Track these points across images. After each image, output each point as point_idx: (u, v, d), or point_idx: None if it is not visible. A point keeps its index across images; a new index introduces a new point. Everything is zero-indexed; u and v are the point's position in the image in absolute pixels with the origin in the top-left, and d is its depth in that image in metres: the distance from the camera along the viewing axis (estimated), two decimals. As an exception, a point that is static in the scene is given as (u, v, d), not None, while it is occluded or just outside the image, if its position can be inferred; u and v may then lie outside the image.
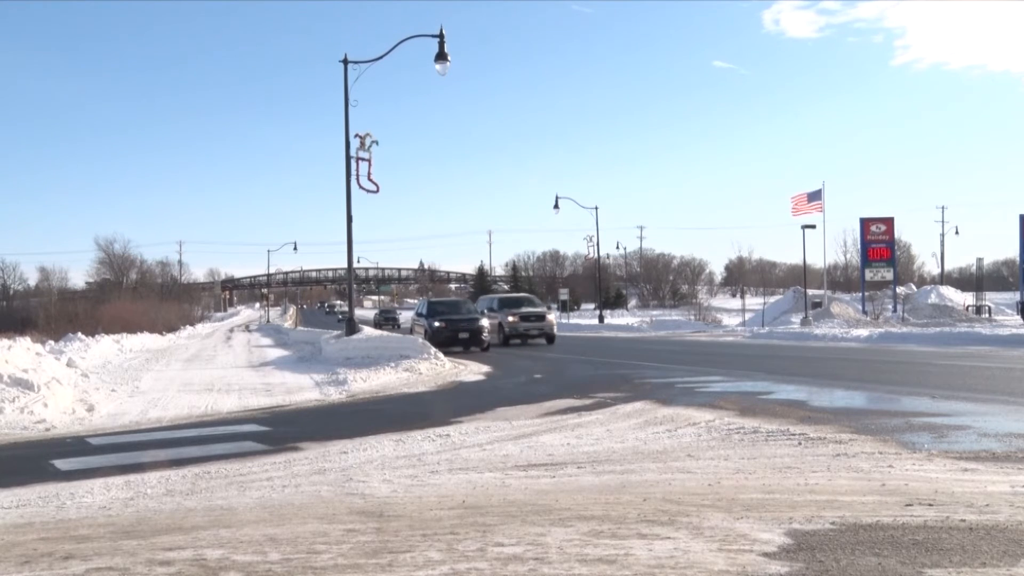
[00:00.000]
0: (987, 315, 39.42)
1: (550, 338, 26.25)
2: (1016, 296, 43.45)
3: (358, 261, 66.41)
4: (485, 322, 23.45)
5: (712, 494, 4.82)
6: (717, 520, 4.14)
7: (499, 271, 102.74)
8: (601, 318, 50.12)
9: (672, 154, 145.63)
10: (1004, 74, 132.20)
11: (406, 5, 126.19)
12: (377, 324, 57.51)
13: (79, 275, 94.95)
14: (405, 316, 67.85)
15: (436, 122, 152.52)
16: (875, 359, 16.38)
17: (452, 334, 22.59)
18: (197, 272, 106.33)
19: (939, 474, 5.26)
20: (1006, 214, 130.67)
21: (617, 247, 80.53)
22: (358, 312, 75.72)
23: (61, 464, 6.83)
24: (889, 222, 39.25)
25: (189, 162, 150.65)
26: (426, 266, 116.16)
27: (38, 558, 3.84)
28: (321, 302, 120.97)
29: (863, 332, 27.17)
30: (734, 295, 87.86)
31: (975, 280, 57.81)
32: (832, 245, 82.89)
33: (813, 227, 36.53)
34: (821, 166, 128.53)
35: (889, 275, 39.36)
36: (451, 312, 24.61)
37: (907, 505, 4.39)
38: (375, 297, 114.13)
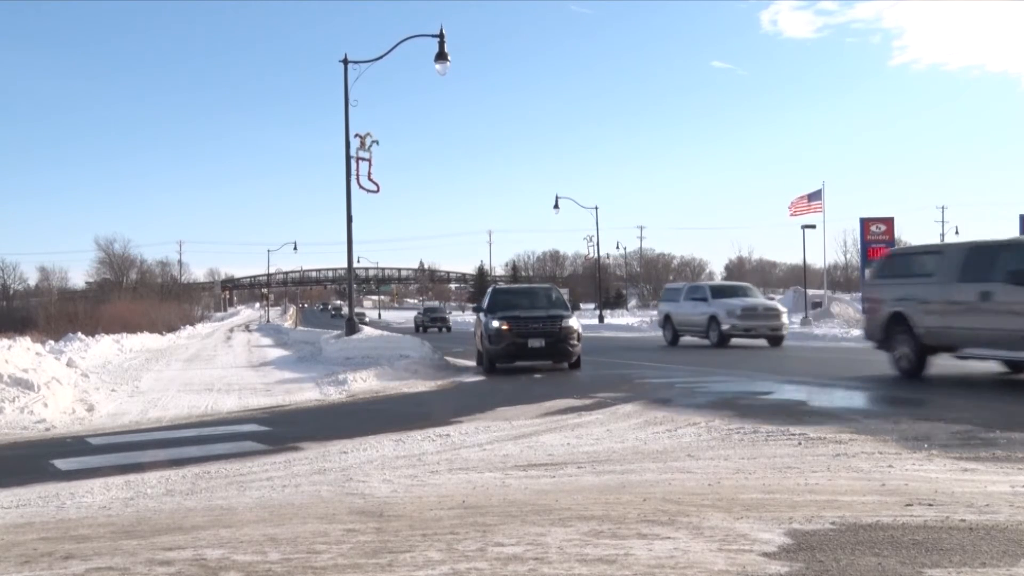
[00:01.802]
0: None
1: None
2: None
3: (358, 261, 65.71)
4: (574, 322, 15.31)
5: (712, 494, 4.82)
6: (717, 520, 4.14)
7: (499, 271, 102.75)
8: (601, 318, 50.11)
9: (672, 154, 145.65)
10: (1002, 75, 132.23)
11: (406, 5, 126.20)
12: (421, 327, 47.61)
13: (79, 275, 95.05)
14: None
15: (436, 122, 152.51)
16: (875, 359, 16.37)
17: (520, 341, 14.89)
18: (197, 272, 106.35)
19: (939, 474, 5.26)
20: (1006, 214, 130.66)
21: (617, 247, 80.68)
22: (371, 315, 74.90)
23: (61, 464, 6.83)
24: (889, 222, 39.19)
25: (189, 162, 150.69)
26: (426, 266, 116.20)
27: (38, 558, 3.84)
28: (324, 304, 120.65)
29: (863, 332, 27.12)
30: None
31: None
32: (832, 245, 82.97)
33: (813, 227, 36.50)
34: (821, 166, 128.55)
35: (889, 275, 39.27)
36: (523, 306, 16.06)
37: (907, 505, 4.39)
38: (375, 297, 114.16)
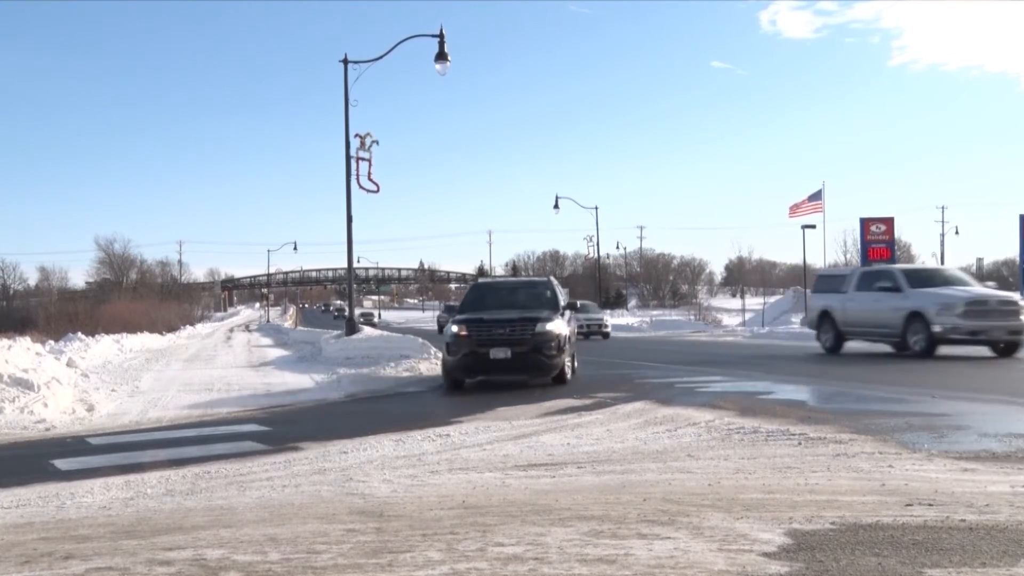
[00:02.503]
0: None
1: None
2: (1016, 296, 43.48)
3: (358, 261, 65.39)
4: (555, 326, 12.21)
5: (712, 494, 4.82)
6: (717, 520, 4.14)
7: (499, 271, 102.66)
8: (601, 318, 50.09)
9: (672, 154, 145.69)
10: (1001, 75, 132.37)
11: (406, 5, 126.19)
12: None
13: (79, 275, 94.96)
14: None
15: (436, 122, 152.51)
16: (875, 359, 16.38)
17: (480, 351, 11.98)
18: (197, 272, 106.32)
19: (939, 474, 5.26)
20: (1006, 214, 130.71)
21: (617, 247, 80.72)
22: (389, 316, 73.54)
23: (61, 464, 6.83)
24: (889, 222, 39.25)
25: (189, 162, 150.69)
26: (426, 266, 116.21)
27: (38, 558, 3.84)
28: (325, 305, 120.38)
29: (863, 332, 27.11)
30: (734, 295, 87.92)
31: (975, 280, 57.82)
32: (832, 245, 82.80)
33: (813, 227, 36.61)
34: (821, 166, 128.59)
35: (889, 275, 39.33)
36: (503, 305, 13.22)
37: (907, 505, 4.39)
38: (375, 297, 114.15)
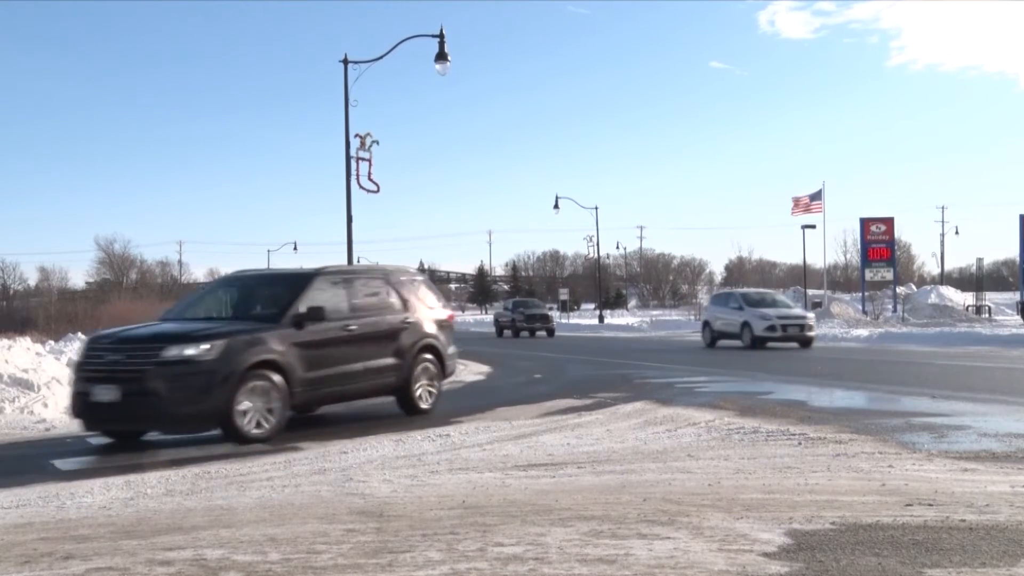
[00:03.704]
0: (987, 315, 39.44)
1: None
2: (1016, 296, 43.53)
3: (358, 261, 65.28)
4: (214, 351, 7.40)
5: (712, 494, 4.82)
6: (717, 520, 4.14)
7: (499, 271, 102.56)
8: (601, 318, 50.16)
9: (672, 154, 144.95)
10: (999, 75, 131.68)
11: (406, 5, 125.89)
12: (510, 330, 33.48)
13: (79, 275, 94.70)
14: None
15: (436, 122, 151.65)
16: (875, 359, 16.38)
17: (82, 390, 7.67)
18: (197, 272, 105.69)
19: (939, 474, 5.26)
20: (1006, 214, 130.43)
21: (617, 247, 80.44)
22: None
23: (61, 464, 6.83)
24: (889, 222, 39.26)
25: (189, 162, 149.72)
26: (426, 266, 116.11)
27: (38, 558, 3.84)
28: None
29: (863, 332, 27.19)
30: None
31: (975, 280, 57.79)
32: (832, 245, 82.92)
33: (813, 227, 36.66)
34: (821, 166, 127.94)
35: (889, 275, 39.38)
36: (212, 311, 9.42)
37: (907, 505, 4.39)
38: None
